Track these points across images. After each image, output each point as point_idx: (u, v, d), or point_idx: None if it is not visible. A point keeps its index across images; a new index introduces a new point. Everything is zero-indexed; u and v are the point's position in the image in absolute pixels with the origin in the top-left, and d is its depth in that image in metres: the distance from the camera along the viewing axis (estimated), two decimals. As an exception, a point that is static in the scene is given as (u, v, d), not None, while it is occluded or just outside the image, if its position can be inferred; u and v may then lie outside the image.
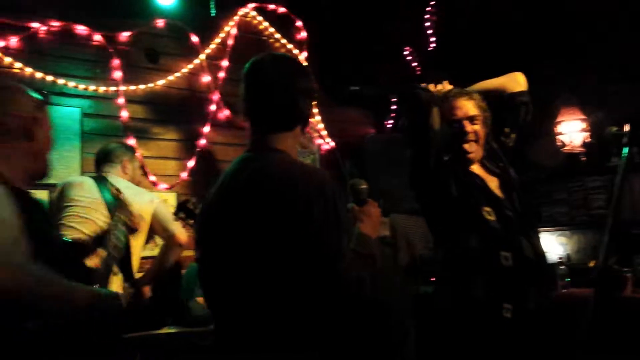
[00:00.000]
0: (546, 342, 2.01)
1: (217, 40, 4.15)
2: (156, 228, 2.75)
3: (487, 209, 2.04)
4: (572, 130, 4.15)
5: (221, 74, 4.10)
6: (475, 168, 2.20)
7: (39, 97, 1.69)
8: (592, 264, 3.75)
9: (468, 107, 2.16)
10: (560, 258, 3.84)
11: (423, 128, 2.12)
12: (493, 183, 2.14)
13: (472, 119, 2.15)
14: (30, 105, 1.64)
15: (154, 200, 2.77)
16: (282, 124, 1.50)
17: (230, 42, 4.19)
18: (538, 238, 2.13)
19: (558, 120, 4.20)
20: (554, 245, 4.46)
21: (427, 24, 4.83)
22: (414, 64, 4.93)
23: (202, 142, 3.96)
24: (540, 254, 2.07)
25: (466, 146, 2.14)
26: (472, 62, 4.65)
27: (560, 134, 4.18)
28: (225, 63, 4.13)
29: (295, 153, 1.54)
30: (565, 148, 4.17)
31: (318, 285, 1.31)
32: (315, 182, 1.35)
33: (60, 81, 3.53)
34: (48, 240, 1.68)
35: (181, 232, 2.73)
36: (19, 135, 1.59)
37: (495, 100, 2.24)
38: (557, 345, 2.03)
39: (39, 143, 1.65)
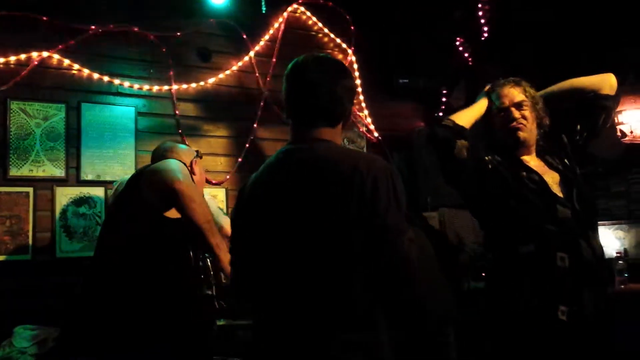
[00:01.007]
0: (603, 345, 1.94)
1: (266, 37, 4.20)
2: None
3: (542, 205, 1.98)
4: (633, 120, 3.96)
5: (270, 71, 4.15)
6: (532, 161, 2.13)
7: (195, 152, 2.59)
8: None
9: (514, 93, 2.13)
10: (617, 253, 3.69)
11: (448, 160, 2.12)
12: (552, 179, 2.06)
13: (519, 105, 2.11)
14: (189, 156, 2.54)
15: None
16: (325, 121, 1.53)
17: (279, 38, 4.23)
18: (598, 238, 2.05)
19: (619, 109, 4.02)
20: (611, 239, 4.28)
21: (480, 13, 4.70)
22: (466, 55, 4.82)
23: (251, 138, 4.02)
24: (599, 255, 1.99)
25: (517, 131, 2.09)
26: (527, 53, 4.53)
27: (621, 123, 4.00)
28: (273, 60, 4.17)
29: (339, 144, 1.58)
30: (625, 138, 3.99)
31: (383, 265, 1.36)
32: (377, 165, 1.42)
33: (116, 81, 3.66)
34: None
35: (230, 225, 2.79)
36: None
37: (579, 100, 2.17)
38: (613, 347, 1.95)
39: (198, 177, 2.54)
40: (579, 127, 2.16)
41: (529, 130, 2.11)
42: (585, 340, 1.89)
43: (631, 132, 3.96)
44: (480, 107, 2.20)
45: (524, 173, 2.05)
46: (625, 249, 4.13)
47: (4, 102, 3.32)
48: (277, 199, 1.48)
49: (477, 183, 2.09)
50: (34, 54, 3.41)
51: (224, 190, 3.91)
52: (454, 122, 2.12)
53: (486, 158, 2.12)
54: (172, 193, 2.05)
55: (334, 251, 1.38)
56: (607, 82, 2.17)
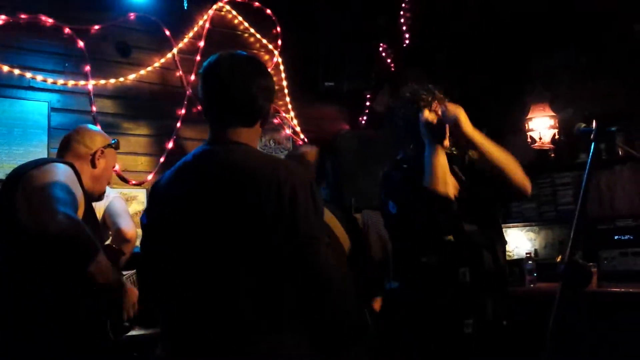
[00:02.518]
0: (510, 347, 2.03)
1: (190, 34, 4.11)
2: (107, 222, 2.71)
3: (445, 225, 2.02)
4: (541, 127, 4.21)
5: (194, 69, 4.06)
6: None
7: (111, 141, 2.31)
8: (558, 258, 3.83)
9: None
10: (528, 253, 3.91)
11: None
12: (455, 188, 2.09)
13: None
14: (100, 142, 2.24)
15: (109, 195, 2.70)
16: (241, 121, 1.51)
17: (203, 36, 4.15)
18: (502, 247, 2.13)
19: (528, 116, 4.26)
20: (522, 240, 4.53)
21: (402, 20, 4.85)
22: (389, 61, 4.95)
23: (174, 137, 3.92)
24: (502, 263, 2.07)
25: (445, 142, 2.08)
26: (445, 61, 4.72)
27: (531, 130, 4.25)
28: (198, 58, 4.08)
29: (256, 147, 1.56)
30: (535, 144, 4.24)
31: (302, 271, 1.35)
32: (295, 173, 1.41)
33: (28, 75, 3.45)
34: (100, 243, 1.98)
35: (130, 227, 2.67)
36: (86, 160, 2.18)
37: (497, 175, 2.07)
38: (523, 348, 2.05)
39: (99, 170, 2.21)
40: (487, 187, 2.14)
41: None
42: (491, 345, 1.98)
43: (540, 139, 4.21)
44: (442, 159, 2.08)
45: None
46: (535, 250, 4.38)
47: None
48: (190, 203, 1.43)
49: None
50: None
51: (144, 191, 3.77)
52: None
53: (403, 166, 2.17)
54: (47, 236, 1.67)
55: (247, 258, 1.35)
56: (529, 187, 2.14)
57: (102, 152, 2.22)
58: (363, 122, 4.88)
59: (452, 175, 2.12)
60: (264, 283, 1.34)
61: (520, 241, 4.53)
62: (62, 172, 1.91)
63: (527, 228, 4.54)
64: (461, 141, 2.09)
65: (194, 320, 1.39)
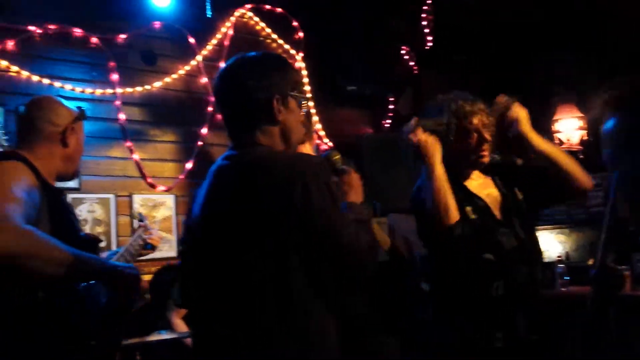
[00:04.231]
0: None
1: (214, 41, 4.15)
2: None
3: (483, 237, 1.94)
4: (569, 128, 4.15)
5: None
6: (477, 179, 2.07)
7: (76, 110, 1.92)
8: (590, 262, 3.76)
9: (483, 114, 2.03)
10: (559, 256, 3.85)
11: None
12: (495, 200, 2.02)
13: (487, 127, 2.03)
14: (67, 116, 1.87)
15: None
16: (260, 121, 1.49)
17: (226, 43, 4.19)
18: (539, 259, 2.09)
19: (555, 118, 4.20)
20: (552, 243, 4.46)
21: (424, 23, 4.83)
22: (411, 63, 4.93)
23: (200, 143, 3.96)
24: (536, 279, 2.00)
25: (483, 156, 2.00)
26: (468, 61, 4.68)
27: (557, 132, 4.19)
28: (222, 64, 4.12)
29: (278, 143, 1.53)
30: (562, 146, 4.18)
31: (333, 261, 1.37)
32: (307, 165, 1.39)
33: (57, 84, 3.52)
34: (74, 233, 1.80)
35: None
36: (55, 140, 1.82)
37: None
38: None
39: (71, 149, 1.86)
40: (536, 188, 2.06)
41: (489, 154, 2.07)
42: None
43: (567, 140, 4.15)
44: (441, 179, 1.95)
45: (468, 207, 1.97)
46: (566, 252, 4.31)
47: (-63, 104, 3.14)
48: (212, 206, 1.47)
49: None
50: (-32, 55, 3.24)
51: (172, 197, 3.82)
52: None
53: None
54: None
55: (283, 257, 1.36)
56: (591, 183, 2.09)
57: (72, 129, 1.86)
58: (386, 125, 4.86)
59: (495, 186, 2.07)
60: (278, 280, 1.35)
61: (550, 244, 4.46)
62: (9, 173, 1.63)
63: (558, 230, 4.47)
64: (518, 144, 2.06)
65: (213, 320, 1.42)
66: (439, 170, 1.92)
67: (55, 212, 1.70)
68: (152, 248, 2.46)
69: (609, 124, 1.30)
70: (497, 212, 2.01)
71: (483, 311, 1.93)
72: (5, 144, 3.23)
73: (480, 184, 2.07)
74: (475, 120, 2.00)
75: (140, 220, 2.56)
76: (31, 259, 1.45)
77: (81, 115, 1.93)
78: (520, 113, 2.02)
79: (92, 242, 1.96)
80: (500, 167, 2.13)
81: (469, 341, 1.93)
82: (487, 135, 2.00)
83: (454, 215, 1.89)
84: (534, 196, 2.06)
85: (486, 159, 2.04)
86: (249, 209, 1.37)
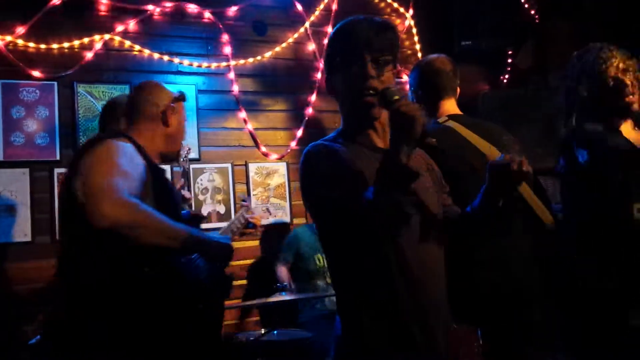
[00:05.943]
0: None
1: (321, 6, 4.11)
2: None
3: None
4: None
5: (326, 41, 4.07)
6: (631, 132, 1.92)
7: (177, 93, 2.05)
8: None
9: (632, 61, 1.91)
10: None
11: None
12: None
13: (625, 71, 1.89)
14: (167, 98, 1.99)
15: None
16: None
17: (334, 7, 4.14)
18: None
19: None
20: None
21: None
22: (532, 12, 4.54)
23: (310, 110, 3.99)
24: None
25: (632, 103, 1.87)
26: (595, 8, 4.21)
27: None
28: (330, 29, 4.09)
29: None
30: None
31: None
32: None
33: (176, 60, 3.70)
34: (176, 209, 1.93)
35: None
36: (157, 120, 1.95)
37: None
38: None
39: (173, 129, 1.98)
40: None
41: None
42: None
43: None
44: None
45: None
46: None
47: (72, 85, 3.43)
48: None
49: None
50: (97, 37, 3.49)
51: (284, 164, 3.91)
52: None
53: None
54: (101, 228, 1.53)
55: None
56: None
57: (173, 109, 1.98)
58: (505, 81, 4.56)
59: None
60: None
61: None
62: (118, 150, 1.74)
63: None
64: None
65: None
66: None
67: (160, 189, 1.82)
68: (254, 227, 2.60)
69: None
70: None
71: (622, 283, 1.74)
72: None
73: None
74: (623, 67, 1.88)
75: (243, 201, 2.75)
76: (137, 228, 1.57)
77: (180, 97, 2.04)
78: None
79: (193, 218, 2.12)
80: None
81: (604, 316, 1.77)
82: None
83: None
84: None
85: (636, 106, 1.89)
86: None
